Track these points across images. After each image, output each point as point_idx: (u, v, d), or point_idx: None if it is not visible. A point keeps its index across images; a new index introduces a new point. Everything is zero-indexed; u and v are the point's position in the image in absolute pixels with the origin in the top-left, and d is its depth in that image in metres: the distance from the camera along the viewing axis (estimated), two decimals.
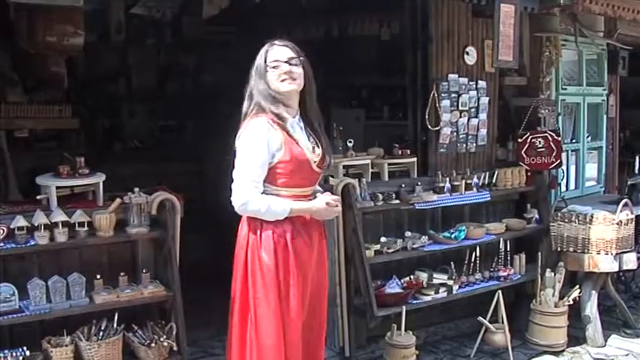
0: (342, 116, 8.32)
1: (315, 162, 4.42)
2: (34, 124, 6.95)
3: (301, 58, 4.43)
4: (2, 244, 5.07)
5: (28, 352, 5.02)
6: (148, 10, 9.40)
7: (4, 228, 5.09)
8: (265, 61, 4.44)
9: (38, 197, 5.46)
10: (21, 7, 6.32)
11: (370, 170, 6.74)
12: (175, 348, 5.32)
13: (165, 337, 5.27)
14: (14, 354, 4.98)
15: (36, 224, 5.10)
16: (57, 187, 5.35)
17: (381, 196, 6.60)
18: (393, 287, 6.47)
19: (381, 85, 9.12)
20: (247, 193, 4.28)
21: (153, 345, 5.20)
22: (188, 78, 10.35)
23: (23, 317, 5.04)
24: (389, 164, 6.84)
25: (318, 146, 4.46)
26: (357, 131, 8.14)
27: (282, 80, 4.37)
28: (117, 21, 9.45)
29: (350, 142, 6.65)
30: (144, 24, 9.77)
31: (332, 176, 6.43)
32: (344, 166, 6.55)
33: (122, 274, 5.41)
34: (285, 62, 4.37)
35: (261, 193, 4.32)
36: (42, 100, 7.26)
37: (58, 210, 5.21)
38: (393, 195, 6.68)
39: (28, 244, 5.11)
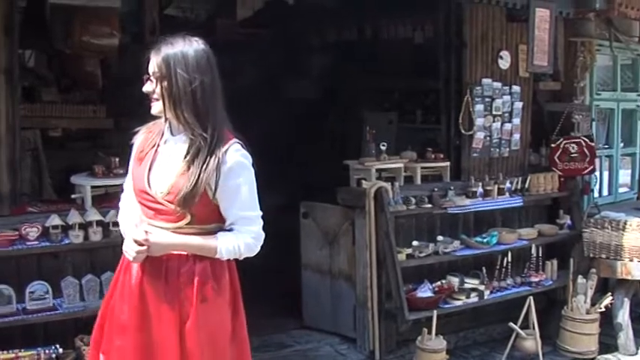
0: (374, 119, 8.32)
1: (162, 193, 3.53)
2: (69, 123, 6.99)
3: (171, 69, 3.45)
4: (37, 242, 5.13)
5: (60, 350, 5.07)
6: (182, 11, 9.44)
7: (39, 226, 5.14)
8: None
9: (73, 196, 5.51)
10: (58, 7, 6.37)
11: (403, 174, 6.73)
12: None
13: None
14: (47, 351, 5.03)
15: (70, 223, 5.16)
16: (92, 187, 5.40)
17: (413, 200, 6.61)
18: (425, 291, 6.46)
19: (414, 89, 9.10)
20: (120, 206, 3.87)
21: None
22: (221, 79, 10.37)
23: (56, 315, 5.11)
24: (422, 168, 6.84)
25: (177, 175, 3.51)
26: (389, 135, 8.13)
27: (149, 100, 3.60)
28: (151, 22, 9.46)
29: (383, 145, 6.65)
30: (178, 25, 9.78)
31: (364, 179, 6.43)
32: (377, 170, 6.55)
33: None
34: (149, 79, 3.56)
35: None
36: (76, 100, 7.29)
37: (93, 209, 5.26)
38: (426, 199, 6.69)
39: (63, 243, 5.18)
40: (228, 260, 3.64)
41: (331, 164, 7.41)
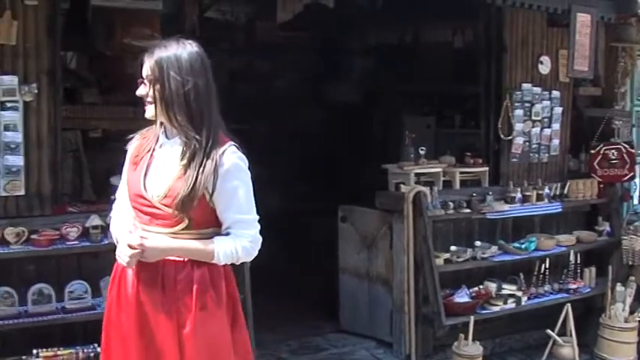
0: (413, 123, 8.30)
1: (158, 196, 3.49)
2: (109, 124, 7.03)
3: (164, 72, 3.41)
4: (77, 242, 5.20)
5: (99, 349, 5.09)
6: (222, 14, 9.50)
7: (79, 226, 5.20)
8: None
9: (113, 197, 5.53)
10: (99, 9, 6.43)
11: (442, 178, 6.72)
12: None
13: None
14: (85, 350, 5.10)
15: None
16: None
17: (451, 205, 6.59)
18: (462, 296, 6.44)
19: (452, 93, 9.08)
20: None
21: None
22: (261, 82, 10.42)
23: (95, 314, 5.12)
24: (460, 173, 6.84)
25: (173, 179, 3.49)
26: (428, 139, 8.11)
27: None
28: (191, 24, 9.52)
29: (422, 149, 6.65)
30: (218, 28, 9.84)
31: (403, 183, 6.43)
32: (415, 174, 6.55)
33: None
34: (141, 82, 3.53)
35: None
36: (117, 102, 7.34)
37: None
38: (464, 204, 6.67)
39: (102, 243, 5.22)
40: (225, 267, 3.59)
41: (370, 168, 7.41)
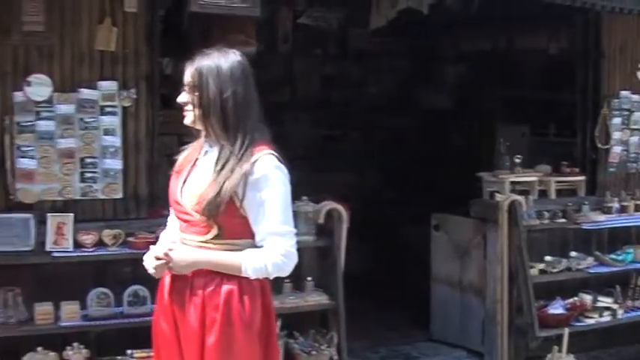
0: (507, 131, 8.19)
1: (191, 203, 3.45)
2: None
3: (204, 80, 3.41)
4: None
5: None
6: (315, 20, 9.51)
7: None
8: None
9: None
10: (196, 16, 6.50)
11: (537, 187, 6.62)
12: (335, 357, 5.35)
13: (326, 345, 5.31)
14: None
15: None
16: None
17: (547, 214, 6.50)
18: (557, 308, 6.33)
19: (547, 101, 8.94)
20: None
21: (314, 353, 5.26)
22: (353, 88, 10.42)
23: None
24: (556, 182, 6.73)
25: (204, 186, 3.42)
26: (522, 147, 7.98)
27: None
28: (284, 31, 9.60)
29: (518, 158, 6.56)
30: (310, 34, 9.88)
31: (498, 192, 6.36)
32: (510, 183, 6.46)
33: (287, 280, 5.44)
34: (184, 89, 3.53)
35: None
36: None
37: None
38: (560, 214, 6.56)
39: None
40: (261, 280, 3.47)
41: (462, 175, 7.34)
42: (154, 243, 5.08)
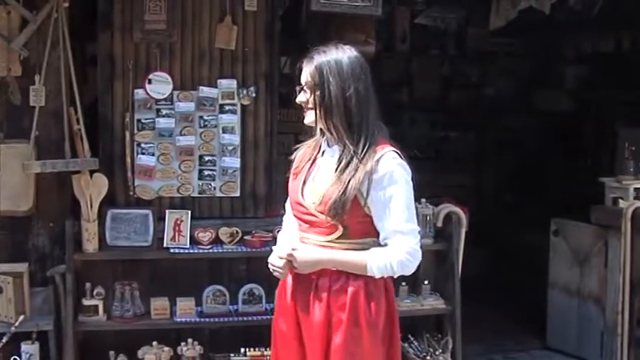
0: (631, 135, 7.92)
1: (314, 204, 3.45)
2: None
3: (324, 78, 3.38)
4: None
5: None
6: (433, 20, 9.44)
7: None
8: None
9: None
10: (314, 14, 6.50)
11: None
12: None
13: (440, 350, 5.24)
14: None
15: None
16: None
17: None
18: None
19: None
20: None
21: (428, 358, 5.20)
22: (471, 89, 10.30)
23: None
24: None
25: (327, 186, 3.40)
26: None
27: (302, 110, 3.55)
28: (402, 31, 9.54)
29: None
30: (428, 34, 9.80)
31: (621, 198, 6.16)
32: (635, 189, 6.25)
33: (403, 283, 5.42)
34: (301, 89, 3.52)
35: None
36: None
37: None
38: None
39: None
40: (385, 280, 3.46)
41: (583, 180, 7.15)
42: (271, 242, 5.16)
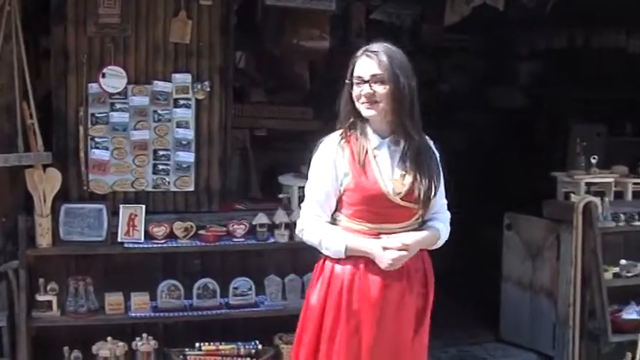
0: (582, 131, 8.03)
1: (398, 194, 3.60)
2: (277, 124, 7.11)
3: (394, 72, 3.57)
4: (243, 240, 5.28)
5: (260, 346, 5.19)
6: (388, 16, 9.46)
7: (246, 224, 5.28)
8: (352, 74, 3.69)
9: (280, 196, 5.63)
10: (269, 9, 6.51)
11: (613, 189, 6.48)
12: None
13: None
14: (247, 346, 5.19)
15: (277, 222, 5.25)
16: (299, 187, 5.46)
17: (622, 217, 6.35)
18: (631, 313, 6.20)
19: (624, 100, 8.76)
20: (304, 220, 3.80)
21: None
22: (424, 86, 10.33)
23: (258, 312, 5.27)
24: (634, 184, 6.56)
25: (409, 175, 3.62)
26: (597, 147, 7.82)
27: (362, 103, 3.61)
28: (357, 26, 9.56)
29: (594, 158, 6.43)
30: (383, 30, 9.82)
31: (573, 193, 6.24)
32: (586, 184, 6.33)
33: None
34: (367, 82, 3.58)
35: (329, 223, 3.75)
36: (282, 102, 7.43)
37: (299, 209, 5.33)
38: (636, 216, 6.41)
39: (268, 241, 5.30)
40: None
41: (537, 175, 7.21)
42: (225, 237, 5.19)
